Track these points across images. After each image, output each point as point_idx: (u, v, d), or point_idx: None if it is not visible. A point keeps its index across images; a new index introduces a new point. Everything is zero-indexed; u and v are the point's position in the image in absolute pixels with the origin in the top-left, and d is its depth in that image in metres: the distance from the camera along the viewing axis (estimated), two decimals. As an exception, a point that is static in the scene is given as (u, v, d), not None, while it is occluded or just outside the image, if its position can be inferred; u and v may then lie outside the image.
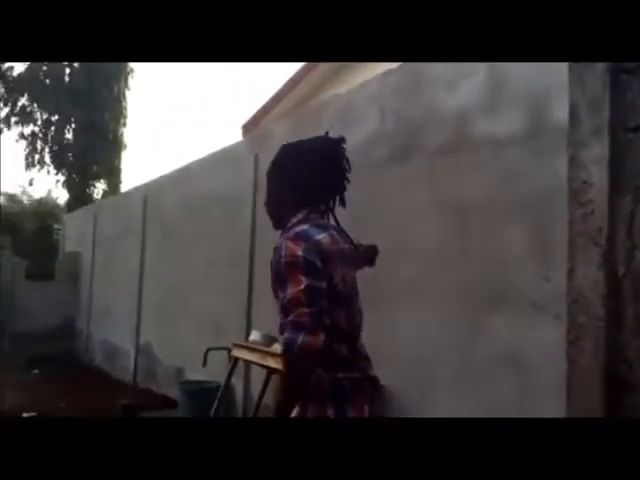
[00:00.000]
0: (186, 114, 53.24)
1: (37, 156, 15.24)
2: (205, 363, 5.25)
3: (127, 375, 8.11)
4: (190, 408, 5.30)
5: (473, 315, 3.24)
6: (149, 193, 8.24)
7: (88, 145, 14.85)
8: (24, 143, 15.19)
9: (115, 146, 15.68)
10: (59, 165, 15.30)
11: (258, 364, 4.41)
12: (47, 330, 10.65)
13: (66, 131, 15.21)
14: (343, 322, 1.62)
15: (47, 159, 15.29)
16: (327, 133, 1.86)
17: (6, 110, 14.83)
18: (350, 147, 4.14)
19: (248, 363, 4.98)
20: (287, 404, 1.54)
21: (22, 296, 10.73)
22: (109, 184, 15.85)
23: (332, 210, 1.81)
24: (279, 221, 1.76)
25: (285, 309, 1.48)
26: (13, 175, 40.16)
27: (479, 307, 3.21)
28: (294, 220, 1.68)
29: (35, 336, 10.40)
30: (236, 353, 4.63)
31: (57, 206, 16.82)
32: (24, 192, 17.17)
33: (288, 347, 1.44)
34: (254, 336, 4.64)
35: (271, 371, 4.51)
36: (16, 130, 15.07)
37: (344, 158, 1.83)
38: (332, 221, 1.85)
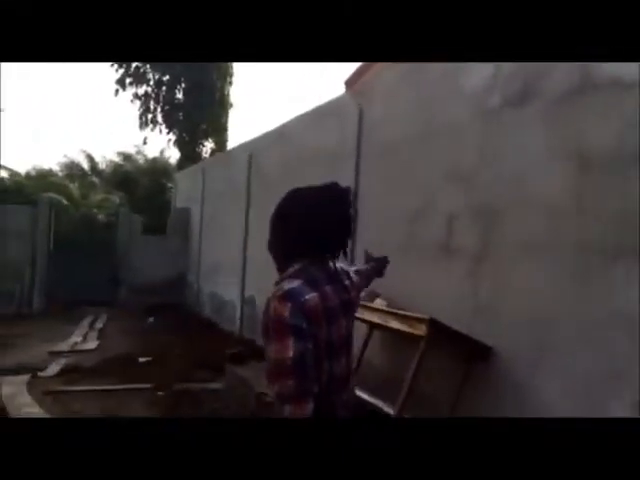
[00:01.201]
0: (290, 71, 53.48)
1: (150, 116, 15.98)
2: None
3: (234, 326, 8.44)
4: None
5: (593, 272, 2.96)
6: (254, 150, 8.35)
7: (197, 104, 15.34)
8: (138, 103, 15.98)
9: (222, 105, 16.06)
10: (170, 124, 15.95)
11: (360, 319, 4.37)
12: (160, 282, 11.31)
13: (176, 91, 15.78)
14: (325, 379, 1.60)
15: (159, 118, 16.01)
16: (336, 183, 1.78)
17: (121, 72, 15.61)
18: (462, 94, 3.95)
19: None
20: None
21: (138, 250, 11.43)
22: (217, 142, 16.34)
23: (335, 258, 1.76)
24: (280, 267, 1.74)
25: (271, 370, 1.49)
26: (128, 135, 42.53)
27: (600, 264, 2.93)
28: (291, 270, 1.66)
29: (149, 287, 11.10)
30: (338, 308, 4.61)
31: (169, 165, 17.57)
32: (139, 152, 18.05)
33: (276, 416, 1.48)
34: (357, 292, 4.60)
35: (373, 326, 4.47)
36: (130, 91, 15.91)
37: (350, 208, 1.77)
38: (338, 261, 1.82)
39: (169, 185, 15.42)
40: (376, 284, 4.64)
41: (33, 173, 17.17)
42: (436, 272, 4.14)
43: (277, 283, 1.64)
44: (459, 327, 3.55)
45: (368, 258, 2.48)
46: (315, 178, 5.76)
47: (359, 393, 4.03)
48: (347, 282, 1.81)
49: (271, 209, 1.85)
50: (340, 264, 1.83)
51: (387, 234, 4.79)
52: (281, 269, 1.73)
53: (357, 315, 4.28)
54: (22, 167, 19.69)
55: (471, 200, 3.84)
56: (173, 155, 17.66)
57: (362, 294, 4.27)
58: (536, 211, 3.34)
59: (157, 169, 17.12)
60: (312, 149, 6.32)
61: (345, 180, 5.39)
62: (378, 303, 4.24)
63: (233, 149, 10.30)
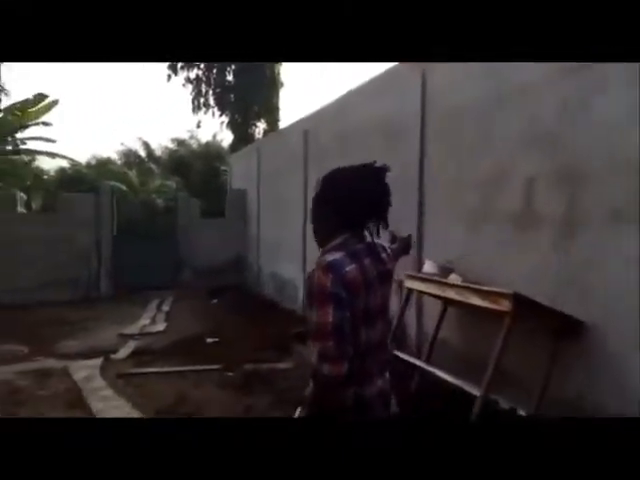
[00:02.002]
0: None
1: (202, 99, 16.08)
2: (375, 295, 5.16)
3: (296, 305, 8.40)
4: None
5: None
6: (309, 127, 8.20)
7: (248, 85, 15.30)
8: (189, 87, 16.10)
9: (273, 85, 15.97)
10: (222, 107, 16.02)
11: (435, 295, 4.20)
12: (221, 263, 11.42)
13: (227, 73, 15.79)
14: (361, 343, 1.75)
15: (211, 101, 16.09)
16: (375, 162, 1.87)
17: (172, 56, 15.69)
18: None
19: (422, 295, 4.79)
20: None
21: (198, 233, 11.54)
22: (269, 123, 16.29)
23: (374, 234, 1.88)
24: (322, 242, 1.88)
25: (313, 332, 1.65)
26: (182, 121, 43.20)
27: None
28: (333, 243, 1.79)
29: (211, 269, 11.21)
30: (410, 284, 4.45)
31: (222, 149, 17.67)
32: (192, 137, 18.28)
33: (315, 375, 1.62)
34: (429, 267, 4.42)
35: (448, 302, 4.29)
36: (182, 75, 16.03)
37: (385, 186, 1.86)
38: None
39: (223, 168, 15.49)
40: (449, 258, 4.46)
41: (93, 162, 17.64)
42: (515, 243, 3.90)
43: (321, 254, 1.78)
44: (544, 301, 3.33)
45: (393, 238, 2.58)
46: (376, 151, 5.58)
47: (438, 373, 3.88)
48: (384, 255, 1.93)
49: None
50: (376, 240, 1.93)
51: (458, 204, 4.57)
52: (321, 244, 1.87)
53: (431, 291, 4.14)
54: (82, 156, 20.24)
55: (553, 164, 3.58)
56: (225, 139, 17.77)
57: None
58: (627, 174, 3.06)
59: (210, 153, 17.26)
60: (371, 121, 6.12)
61: (409, 150, 5.21)
62: (453, 279, 4.06)
63: (287, 127, 10.18)
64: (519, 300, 3.17)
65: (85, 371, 5.66)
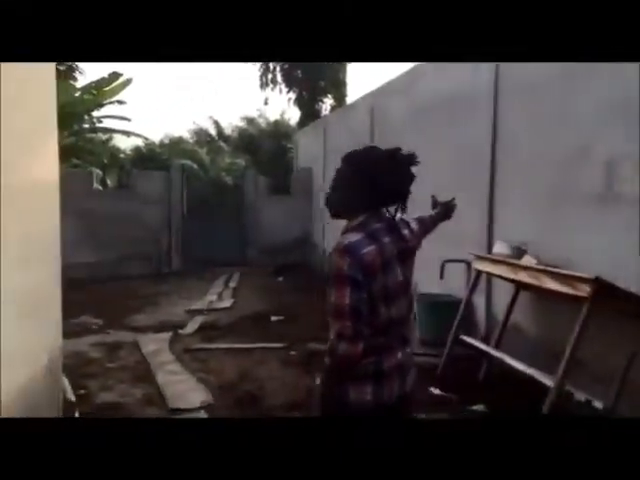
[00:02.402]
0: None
1: (270, 75, 16.08)
2: (442, 275, 4.98)
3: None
4: (429, 322, 5.13)
5: None
6: (376, 102, 7.98)
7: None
8: (257, 64, 16.12)
9: (340, 59, 15.77)
10: (290, 83, 15.96)
11: (506, 278, 3.97)
12: (287, 242, 11.46)
13: (294, 48, 15.71)
14: (381, 321, 1.78)
15: (279, 78, 16.07)
16: (400, 149, 1.88)
17: (241, 34, 15.78)
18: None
19: (491, 277, 4.56)
20: (332, 391, 1.80)
21: (264, 211, 11.62)
22: (336, 98, 16.12)
23: (394, 214, 1.91)
24: (338, 215, 1.91)
25: (331, 312, 1.71)
26: (250, 98, 43.63)
27: None
28: (353, 223, 1.82)
29: (277, 247, 11.27)
30: (478, 266, 4.24)
31: (290, 127, 17.69)
32: (260, 115, 18.42)
33: (332, 352, 1.69)
34: (500, 248, 4.18)
35: (521, 286, 4.05)
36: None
37: (411, 175, 1.89)
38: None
39: (289, 146, 15.49)
40: (522, 238, 4.20)
41: (166, 141, 18.10)
42: (595, 224, 3.61)
43: (342, 234, 1.81)
44: (626, 286, 3.06)
45: (435, 202, 2.57)
46: (445, 127, 5.32)
47: (508, 360, 3.67)
48: (405, 231, 1.95)
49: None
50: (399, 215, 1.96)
51: (533, 182, 4.29)
52: (336, 217, 1.92)
53: (502, 274, 3.91)
54: (155, 135, 20.86)
55: (637, 141, 3.25)
56: (293, 117, 17.79)
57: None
58: None
59: (279, 132, 17.31)
60: (441, 94, 5.85)
61: (481, 125, 4.93)
62: (526, 261, 3.81)
63: (354, 103, 9.97)
64: (600, 285, 2.93)
65: (154, 345, 5.80)
